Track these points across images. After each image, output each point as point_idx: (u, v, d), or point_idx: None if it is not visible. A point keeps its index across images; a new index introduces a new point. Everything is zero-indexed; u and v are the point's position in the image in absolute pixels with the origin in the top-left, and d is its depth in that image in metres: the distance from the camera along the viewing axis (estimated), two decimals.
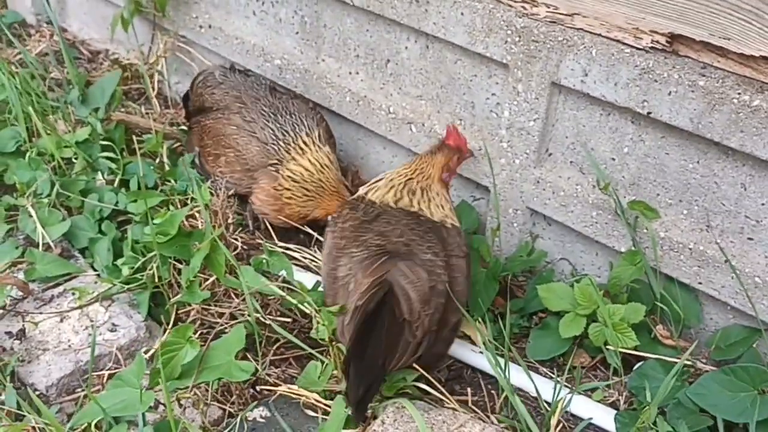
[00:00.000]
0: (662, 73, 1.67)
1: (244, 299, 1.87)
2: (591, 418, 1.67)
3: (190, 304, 1.90)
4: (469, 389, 1.81)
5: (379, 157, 2.54)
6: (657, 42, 1.69)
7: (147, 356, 1.73)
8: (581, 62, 1.78)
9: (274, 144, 2.14)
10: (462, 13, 1.97)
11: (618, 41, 1.74)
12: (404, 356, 1.58)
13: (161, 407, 1.61)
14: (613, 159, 1.90)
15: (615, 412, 1.72)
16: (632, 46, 1.72)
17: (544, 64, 1.85)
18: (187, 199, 2.21)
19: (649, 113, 1.72)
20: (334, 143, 2.34)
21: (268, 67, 2.61)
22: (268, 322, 1.81)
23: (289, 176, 2.16)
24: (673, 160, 1.79)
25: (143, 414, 1.40)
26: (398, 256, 1.65)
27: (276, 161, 2.15)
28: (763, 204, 1.69)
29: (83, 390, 1.71)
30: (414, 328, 1.57)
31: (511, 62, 1.93)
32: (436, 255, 1.71)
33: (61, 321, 1.84)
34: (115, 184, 2.30)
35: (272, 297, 1.92)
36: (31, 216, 2.09)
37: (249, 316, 1.78)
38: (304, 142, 2.16)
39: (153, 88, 2.96)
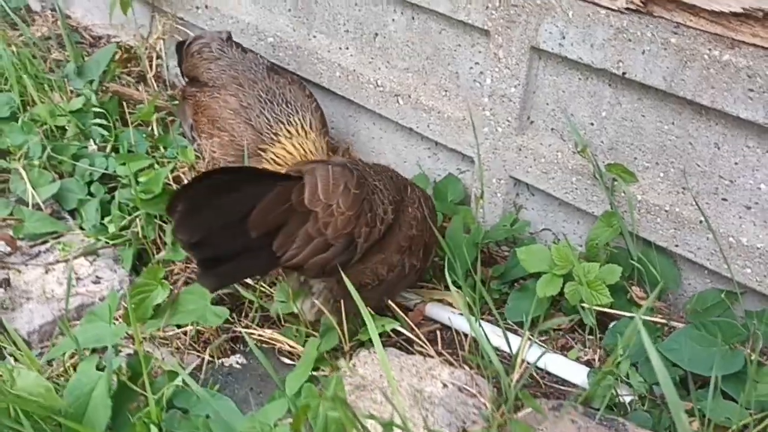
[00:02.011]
0: (636, 32, 1.70)
1: None
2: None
3: (174, 262, 1.93)
4: (441, 341, 1.83)
5: (369, 134, 2.57)
6: (631, 2, 1.72)
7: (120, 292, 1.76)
8: (559, 25, 1.82)
9: (267, 133, 2.15)
10: None
11: (594, 3, 1.77)
12: (304, 250, 1.44)
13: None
14: (592, 124, 1.92)
15: (589, 369, 1.74)
16: (607, 8, 1.75)
17: (524, 28, 1.89)
18: (174, 163, 2.25)
19: (624, 73, 1.75)
20: (327, 132, 2.34)
21: (261, 45, 2.66)
22: None
23: (272, 159, 2.16)
24: (650, 123, 1.81)
25: (114, 346, 1.43)
26: (330, 163, 1.55)
27: (265, 148, 2.16)
28: (736, 163, 1.71)
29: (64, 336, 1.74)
30: (321, 224, 1.44)
31: (492, 28, 1.96)
32: (386, 188, 1.65)
33: (46, 273, 1.88)
34: (107, 151, 2.34)
35: None
36: (21, 177, 2.13)
37: None
38: (294, 128, 2.17)
39: (151, 69, 3.01)
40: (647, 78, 1.71)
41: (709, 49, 1.60)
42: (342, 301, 1.58)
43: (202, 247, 1.34)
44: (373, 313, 1.51)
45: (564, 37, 1.82)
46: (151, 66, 3.03)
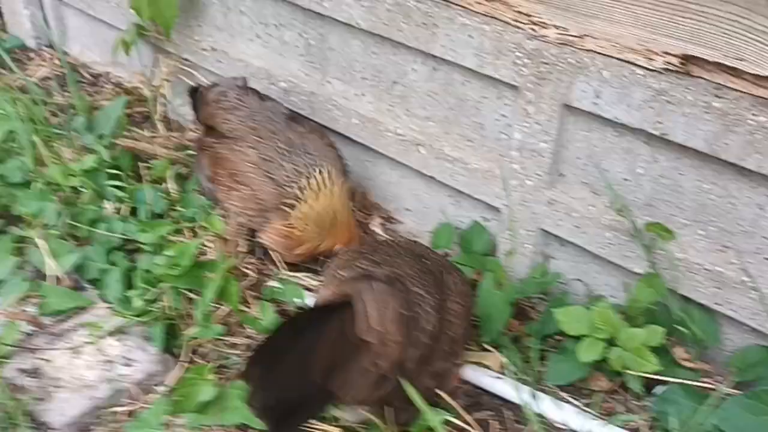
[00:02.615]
0: (676, 95, 1.66)
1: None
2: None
3: (203, 339, 1.88)
4: (489, 418, 1.79)
5: (387, 178, 2.53)
6: (670, 63, 1.68)
7: (163, 390, 1.71)
8: (593, 84, 1.78)
9: (288, 186, 2.11)
10: (470, 36, 1.96)
11: (630, 63, 1.73)
12: (362, 386, 1.41)
13: None
14: (627, 180, 1.89)
15: None
16: (645, 68, 1.71)
17: (555, 86, 1.84)
18: (195, 226, 2.19)
19: (663, 134, 1.71)
20: (347, 181, 2.30)
21: (273, 89, 2.60)
22: None
23: (301, 218, 2.13)
24: (689, 181, 1.78)
25: None
26: (376, 279, 1.51)
27: (289, 202, 2.13)
28: None
29: (100, 427, 1.69)
30: (375, 356, 1.40)
31: (521, 84, 1.92)
32: (429, 292, 1.59)
33: (75, 356, 1.82)
34: (123, 212, 2.28)
35: None
36: (39, 247, 2.07)
37: None
38: (320, 185, 2.14)
39: (156, 111, 2.94)
40: (688, 140, 1.68)
41: (754, 114, 1.57)
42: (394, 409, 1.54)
43: (274, 408, 1.34)
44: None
45: (599, 97, 1.78)
46: (156, 108, 2.96)
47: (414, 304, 1.52)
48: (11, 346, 1.82)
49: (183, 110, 3.00)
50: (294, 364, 1.33)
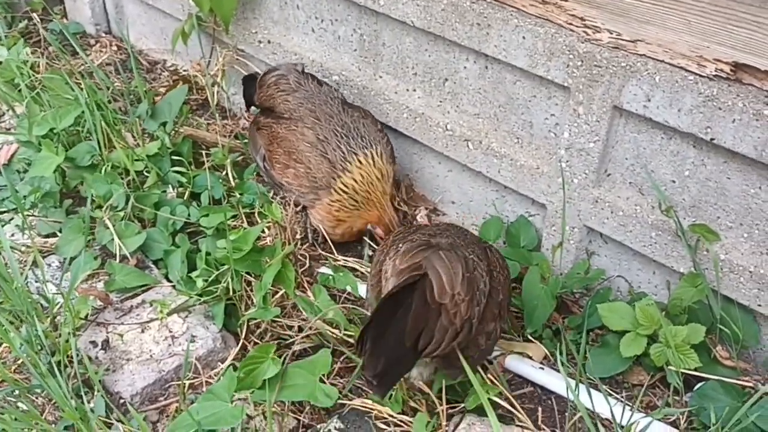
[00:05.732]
0: (726, 101, 1.70)
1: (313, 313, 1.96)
2: None
3: (262, 321, 1.99)
4: (532, 405, 1.87)
5: (434, 171, 2.60)
6: (721, 71, 1.72)
7: (224, 366, 1.83)
8: (644, 88, 1.83)
9: (341, 165, 2.22)
10: (524, 37, 2.02)
11: (681, 68, 1.78)
12: (443, 342, 1.58)
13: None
14: (674, 181, 1.94)
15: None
16: (696, 74, 1.76)
17: (607, 88, 1.90)
18: (253, 212, 2.30)
19: (712, 139, 1.76)
20: (394, 163, 2.40)
21: (325, 82, 2.68)
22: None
23: (341, 188, 2.24)
24: (735, 185, 1.82)
25: (234, 428, 1.49)
26: (440, 248, 1.70)
27: (336, 176, 2.24)
28: None
29: (165, 399, 1.81)
30: (451, 314, 1.58)
31: (572, 85, 1.97)
32: (479, 259, 1.77)
33: (142, 332, 1.95)
34: (185, 197, 2.39)
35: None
36: (108, 228, 2.19)
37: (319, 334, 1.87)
38: (364, 158, 2.24)
39: (213, 99, 3.05)
40: (737, 146, 1.72)
41: None
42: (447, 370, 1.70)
43: (381, 372, 1.50)
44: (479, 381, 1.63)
45: (649, 100, 1.83)
46: (213, 96, 3.06)
47: (472, 267, 1.69)
48: (83, 319, 1.94)
49: (237, 99, 3.11)
50: (392, 335, 1.50)
